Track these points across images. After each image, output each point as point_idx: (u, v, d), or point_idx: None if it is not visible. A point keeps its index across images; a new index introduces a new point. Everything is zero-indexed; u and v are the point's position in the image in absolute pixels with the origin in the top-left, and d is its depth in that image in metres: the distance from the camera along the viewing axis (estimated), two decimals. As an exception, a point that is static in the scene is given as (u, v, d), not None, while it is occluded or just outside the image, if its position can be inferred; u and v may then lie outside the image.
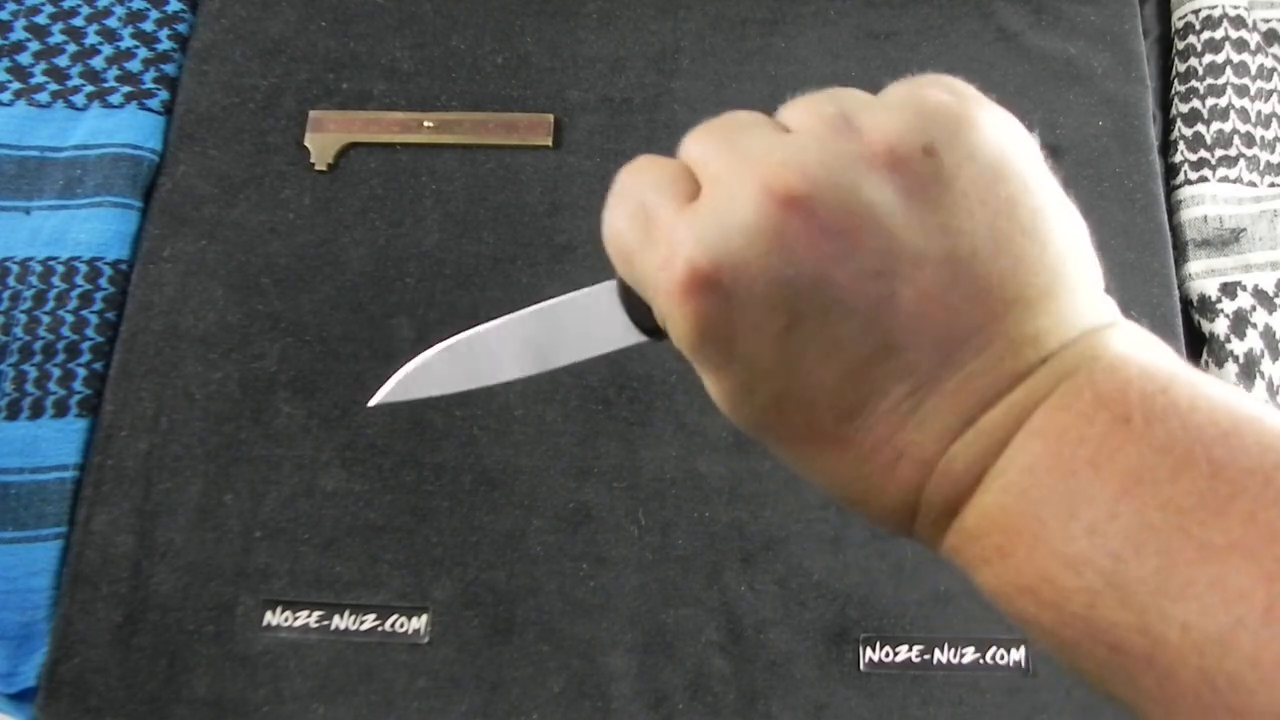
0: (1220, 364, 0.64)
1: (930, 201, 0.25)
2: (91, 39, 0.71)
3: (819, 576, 0.58)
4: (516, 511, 0.60)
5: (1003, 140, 0.27)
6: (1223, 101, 0.70)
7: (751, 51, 0.72)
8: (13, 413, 0.61)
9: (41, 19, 0.72)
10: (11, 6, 0.72)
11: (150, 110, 0.69)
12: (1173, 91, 0.73)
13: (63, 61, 0.70)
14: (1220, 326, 0.65)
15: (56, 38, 0.71)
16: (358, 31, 0.72)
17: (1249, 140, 0.70)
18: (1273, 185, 0.69)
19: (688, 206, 0.27)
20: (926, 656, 0.57)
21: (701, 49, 0.72)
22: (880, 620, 0.57)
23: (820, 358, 0.25)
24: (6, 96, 0.69)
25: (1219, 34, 0.72)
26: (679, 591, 0.58)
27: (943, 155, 0.25)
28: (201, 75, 0.70)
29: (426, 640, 0.57)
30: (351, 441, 0.61)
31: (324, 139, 0.68)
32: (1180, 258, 0.67)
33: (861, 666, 0.56)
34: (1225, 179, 0.69)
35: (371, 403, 0.32)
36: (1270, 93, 0.71)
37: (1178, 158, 0.70)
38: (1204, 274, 0.66)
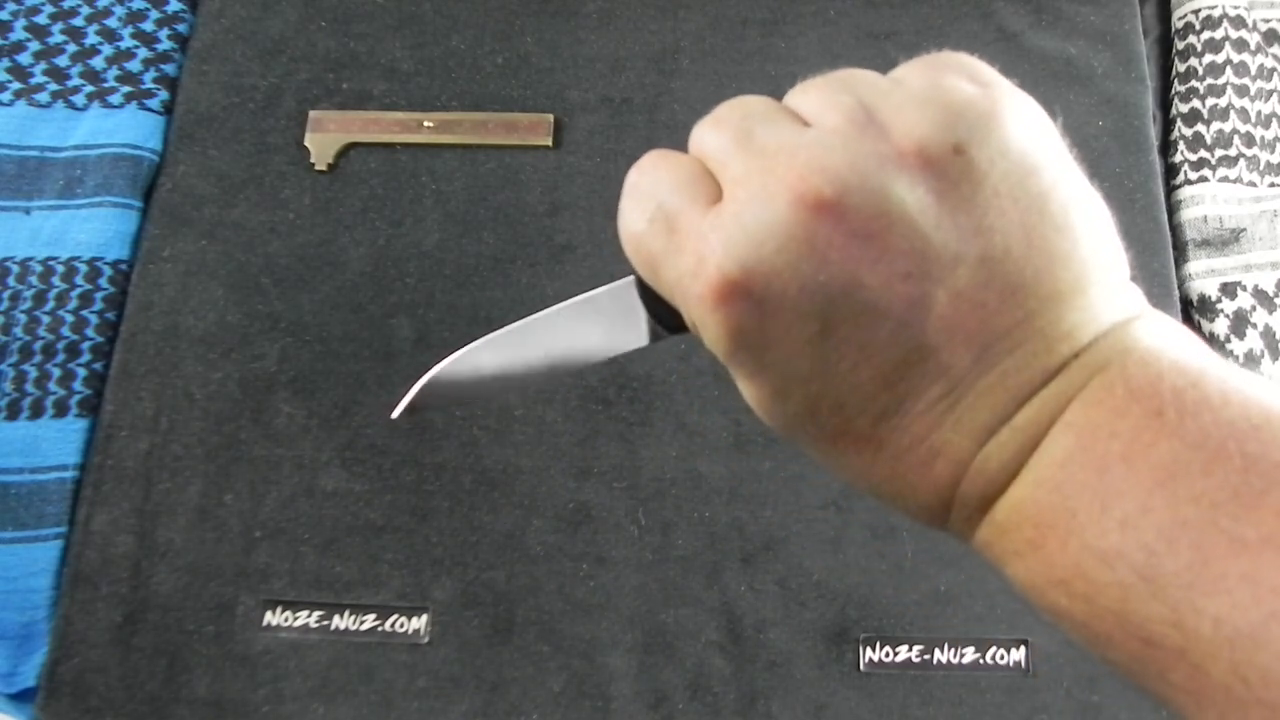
0: (1220, 364, 0.64)
1: (962, 201, 0.25)
2: (91, 39, 0.71)
3: (819, 576, 0.58)
4: (516, 511, 0.60)
5: (1032, 133, 0.26)
6: (1223, 101, 0.70)
7: (751, 51, 0.72)
8: (13, 413, 0.61)
9: (41, 19, 0.72)
10: (11, 6, 0.72)
11: (150, 110, 0.69)
12: (1173, 91, 0.73)
13: (63, 61, 0.70)
14: (1220, 326, 0.65)
15: (56, 38, 0.71)
16: (358, 31, 0.72)
17: (1249, 140, 0.70)
18: (1273, 185, 0.69)
19: (712, 210, 0.26)
20: (926, 656, 0.57)
21: (701, 49, 0.72)
22: (880, 620, 0.57)
23: (854, 362, 0.25)
24: (6, 96, 0.69)
25: (1219, 34, 0.72)
26: (679, 591, 0.58)
27: (973, 153, 0.25)
28: (201, 75, 0.70)
29: (426, 640, 0.57)
30: (351, 441, 0.61)
31: (324, 139, 0.68)
32: (1180, 258, 0.67)
33: (861, 666, 0.56)
34: (1225, 179, 0.69)
35: (394, 415, 0.31)
36: (1270, 93, 0.71)
37: (1178, 158, 0.70)
38: (1204, 274, 0.66)
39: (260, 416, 0.61)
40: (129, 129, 0.68)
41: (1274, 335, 0.65)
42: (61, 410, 0.61)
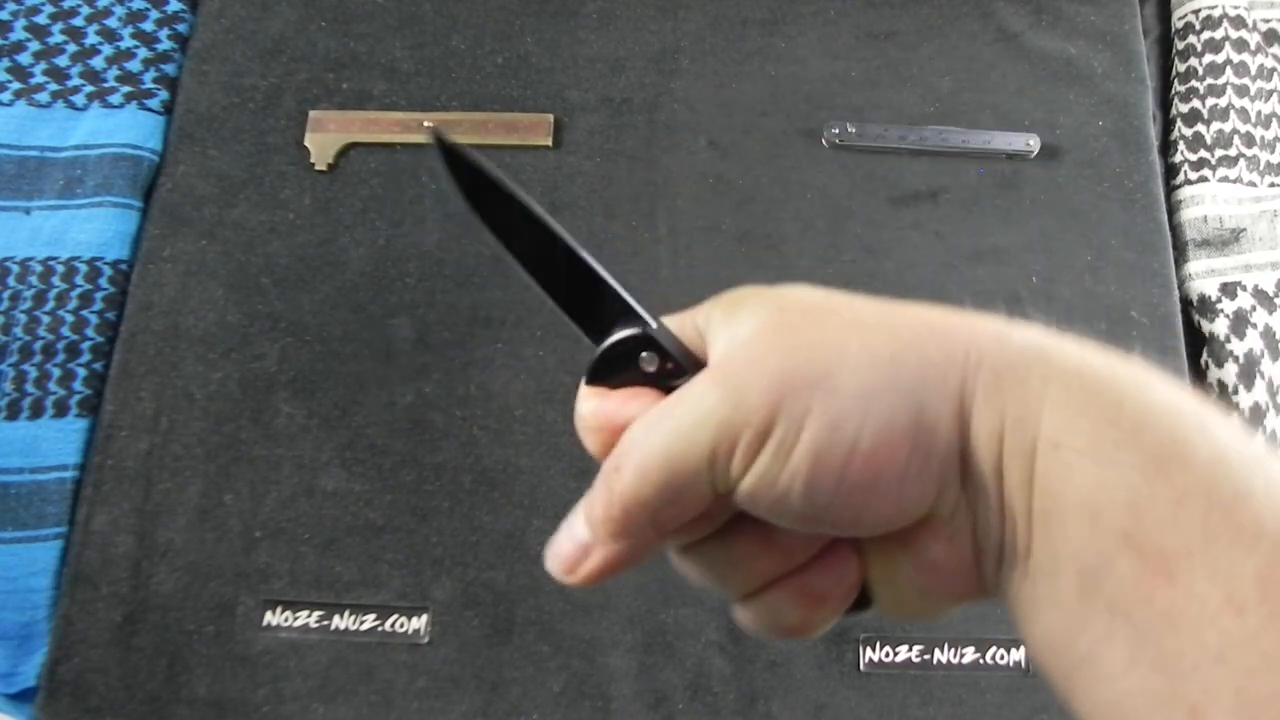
0: (1220, 364, 0.64)
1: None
2: (91, 39, 0.71)
3: (819, 576, 0.58)
4: (516, 511, 0.60)
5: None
6: (1223, 101, 0.70)
7: (751, 51, 0.72)
8: (13, 413, 0.61)
9: (41, 19, 0.71)
10: (11, 6, 0.72)
11: (150, 110, 0.69)
12: (1173, 91, 0.73)
13: (63, 61, 0.70)
14: (1220, 326, 0.65)
15: (56, 38, 0.71)
16: (358, 31, 0.72)
17: (1249, 140, 0.70)
18: (1273, 185, 0.69)
19: None
20: (926, 656, 0.57)
21: (701, 49, 0.72)
22: (880, 620, 0.57)
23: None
24: (6, 96, 0.69)
25: (1219, 34, 0.72)
26: (679, 591, 0.58)
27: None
28: (201, 75, 0.70)
29: (426, 640, 0.57)
30: (351, 441, 0.61)
31: (324, 139, 0.68)
32: (1180, 258, 0.67)
33: (861, 666, 0.56)
34: (1225, 179, 0.69)
35: (434, 137, 0.29)
36: (1270, 93, 0.71)
37: (1178, 158, 0.70)
38: (1204, 274, 0.66)
39: (260, 416, 0.61)
40: (129, 129, 0.68)
41: (1274, 335, 0.65)
42: (61, 410, 0.61)
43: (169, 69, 0.71)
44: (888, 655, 0.57)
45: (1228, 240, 0.67)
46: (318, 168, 0.67)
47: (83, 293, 0.64)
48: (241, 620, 0.57)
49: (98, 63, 0.70)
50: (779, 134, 0.69)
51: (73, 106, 0.69)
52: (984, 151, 0.68)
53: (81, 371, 0.62)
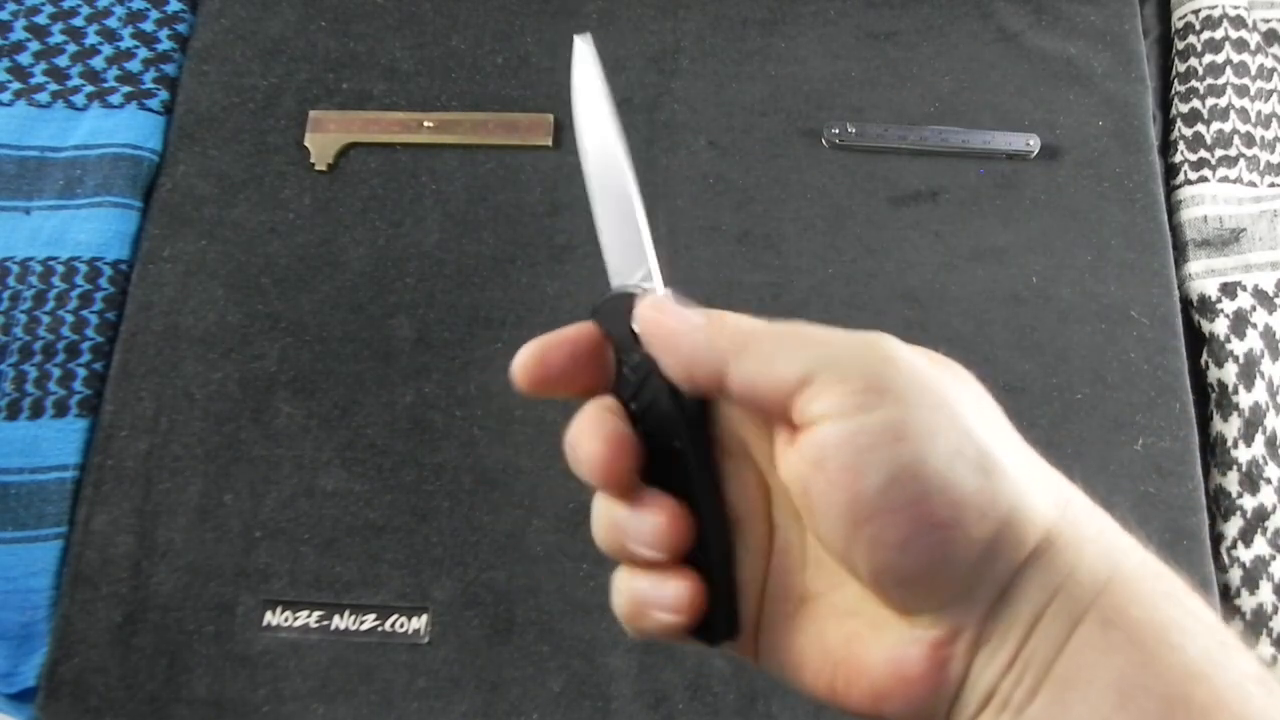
0: (1220, 364, 0.64)
1: None
2: (91, 39, 0.71)
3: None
4: (516, 511, 0.60)
5: None
6: (1223, 101, 0.70)
7: (751, 51, 0.72)
8: (13, 413, 0.61)
9: (41, 19, 0.72)
10: (11, 6, 0.72)
11: (150, 110, 0.69)
12: (1173, 91, 0.73)
13: (63, 61, 0.70)
14: (1220, 326, 0.65)
15: (56, 38, 0.71)
16: (358, 31, 0.72)
17: (1249, 140, 0.70)
18: (1273, 185, 0.69)
19: None
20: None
21: (701, 49, 0.72)
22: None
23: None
24: (6, 96, 0.69)
25: (1219, 34, 0.72)
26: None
27: None
28: (201, 75, 0.70)
29: (426, 640, 0.57)
30: (351, 441, 0.61)
31: (324, 139, 0.68)
32: (1180, 258, 0.67)
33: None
34: (1225, 179, 0.69)
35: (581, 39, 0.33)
36: (1270, 93, 0.71)
37: (1178, 158, 0.70)
38: (1204, 274, 0.66)
39: (260, 416, 0.61)
40: (129, 129, 0.68)
41: (1274, 335, 0.65)
42: (61, 410, 0.61)
43: (169, 69, 0.71)
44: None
45: (1228, 240, 0.67)
46: (318, 168, 0.67)
47: (83, 293, 0.64)
48: (241, 620, 0.57)
49: (98, 63, 0.70)
50: (779, 134, 0.69)
51: (73, 106, 0.69)
52: (984, 151, 0.68)
53: (81, 371, 0.62)
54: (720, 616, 0.28)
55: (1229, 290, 0.66)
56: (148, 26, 0.72)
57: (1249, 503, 0.61)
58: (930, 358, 0.27)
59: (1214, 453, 0.63)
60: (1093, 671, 0.23)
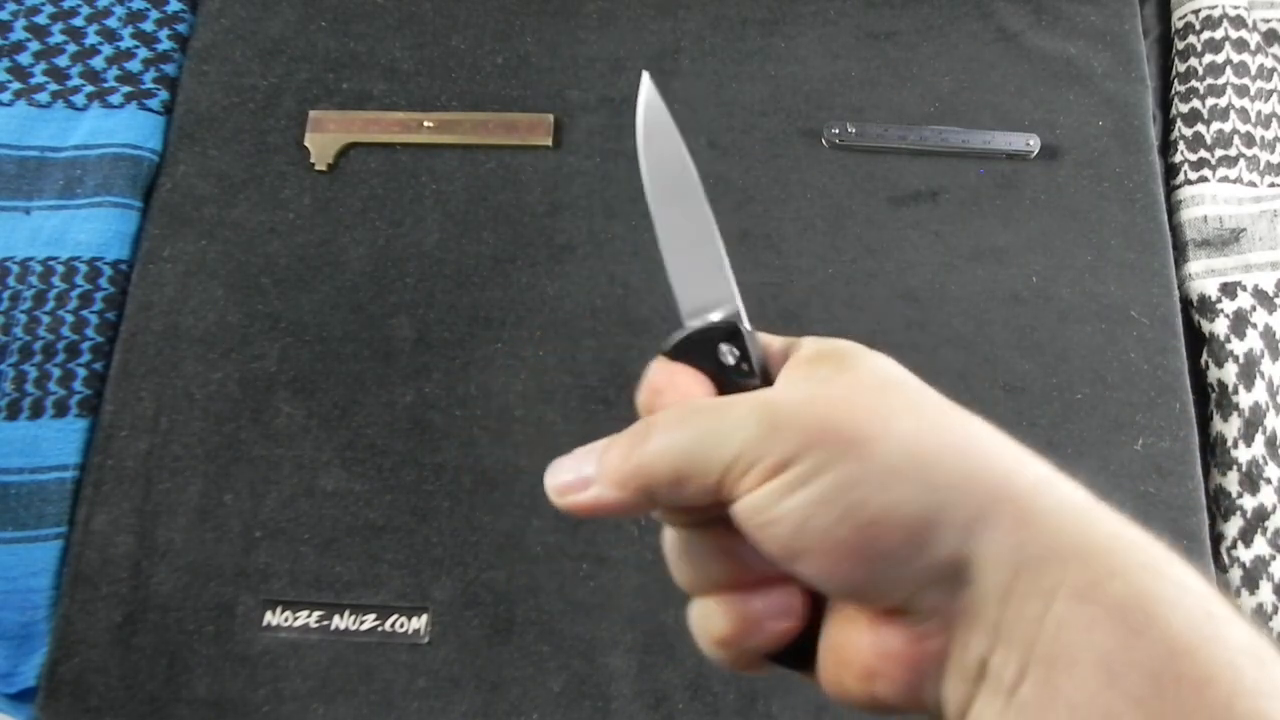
0: (1220, 364, 0.64)
1: None
2: (91, 39, 0.71)
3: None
4: (516, 511, 0.60)
5: None
6: (1223, 101, 0.70)
7: (751, 51, 0.72)
8: (13, 413, 0.61)
9: (41, 19, 0.72)
10: (11, 6, 0.72)
11: (150, 110, 0.69)
12: (1173, 91, 0.73)
13: (63, 61, 0.70)
14: (1220, 326, 0.65)
15: (56, 38, 0.71)
16: (358, 31, 0.72)
17: (1249, 140, 0.70)
18: (1273, 185, 0.69)
19: None
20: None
21: (701, 49, 0.72)
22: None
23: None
24: (6, 96, 0.69)
25: (1219, 34, 0.72)
26: (679, 592, 0.57)
27: None
28: (201, 75, 0.70)
29: (426, 640, 0.57)
30: (351, 441, 0.61)
31: (324, 139, 0.68)
32: (1180, 258, 0.67)
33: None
34: (1225, 179, 0.69)
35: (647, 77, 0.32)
36: (1270, 93, 0.71)
37: (1178, 158, 0.70)
38: (1204, 274, 0.67)
39: (260, 416, 0.61)
40: (129, 129, 0.68)
41: (1274, 335, 0.65)
42: (61, 410, 0.61)
43: (169, 69, 0.71)
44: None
45: (1228, 240, 0.67)
46: (318, 168, 0.67)
47: (83, 293, 0.64)
48: (241, 620, 0.57)
49: (98, 63, 0.70)
50: (779, 134, 0.69)
51: (73, 106, 0.69)
52: (984, 151, 0.68)
53: (81, 371, 0.62)
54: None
55: (1229, 290, 0.66)
56: (148, 26, 0.72)
57: (1249, 503, 0.61)
58: (821, 377, 0.27)
59: (1214, 453, 0.63)
60: (1077, 650, 0.23)
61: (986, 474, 0.25)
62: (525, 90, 0.70)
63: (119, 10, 0.72)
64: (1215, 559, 0.60)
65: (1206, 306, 0.66)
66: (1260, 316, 0.65)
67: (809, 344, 0.29)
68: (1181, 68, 0.73)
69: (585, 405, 0.62)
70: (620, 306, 0.64)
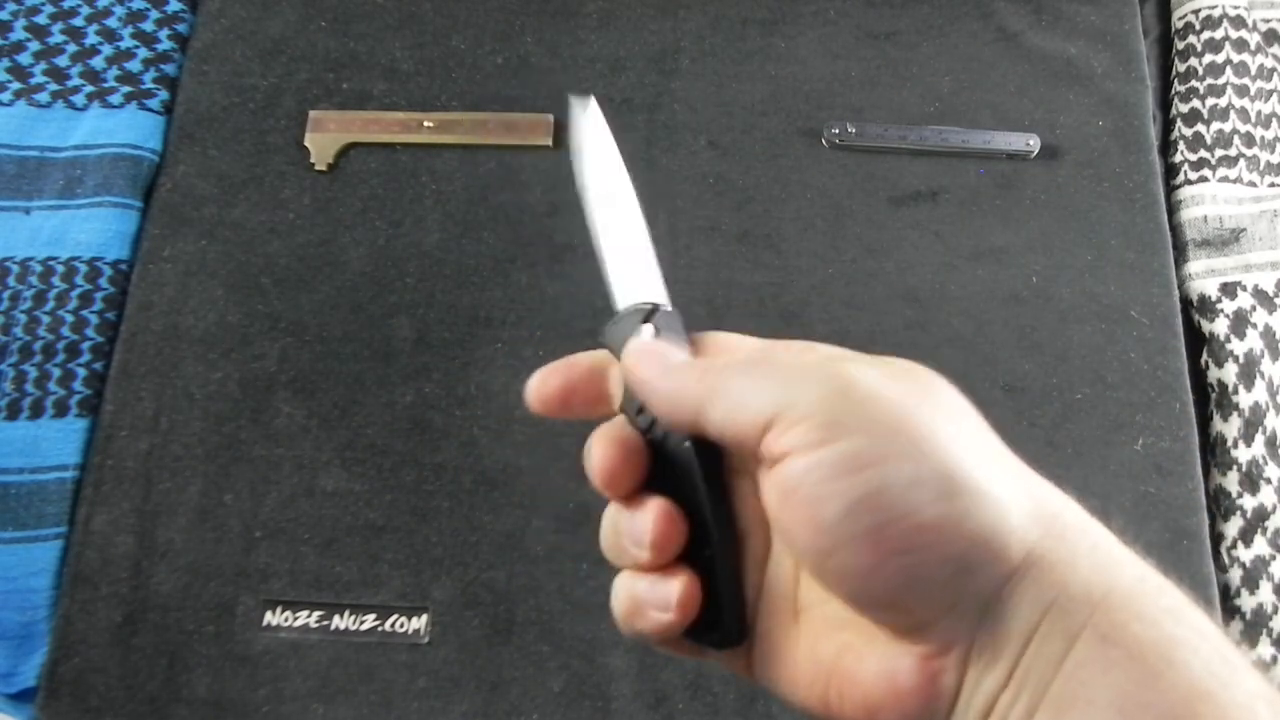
0: (1220, 364, 0.64)
1: None
2: (91, 39, 0.71)
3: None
4: (516, 511, 0.60)
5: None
6: (1223, 101, 0.70)
7: (751, 51, 0.72)
8: (13, 413, 0.61)
9: (41, 19, 0.72)
10: (11, 6, 0.72)
11: (150, 110, 0.69)
12: (1173, 91, 0.73)
13: (63, 61, 0.70)
14: (1220, 326, 0.65)
15: (56, 38, 0.71)
16: (358, 31, 0.72)
17: (1249, 140, 0.70)
18: (1273, 185, 0.69)
19: None
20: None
21: (701, 49, 0.72)
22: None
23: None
24: (6, 96, 0.69)
25: (1219, 34, 0.72)
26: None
27: None
28: (201, 75, 0.70)
29: (426, 640, 0.57)
30: (351, 441, 0.61)
31: (324, 139, 0.68)
32: (1180, 258, 0.67)
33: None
34: (1225, 179, 0.69)
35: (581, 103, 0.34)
36: (1270, 93, 0.71)
37: (1178, 158, 0.70)
38: (1204, 274, 0.66)
39: (260, 416, 0.61)
40: (129, 129, 0.68)
41: (1274, 335, 0.65)
42: (61, 410, 0.61)
43: (169, 69, 0.71)
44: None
45: (1228, 240, 0.67)
46: (318, 168, 0.67)
47: (83, 293, 0.64)
48: (241, 620, 0.57)
49: (98, 63, 0.70)
50: (779, 134, 0.69)
51: (73, 106, 0.69)
52: (984, 151, 0.68)
53: (81, 371, 0.62)
54: (729, 620, 0.29)
55: (1229, 290, 0.66)
56: (148, 26, 0.72)
57: (1249, 503, 0.61)
58: (897, 374, 0.27)
59: (1214, 453, 0.63)
60: (1093, 690, 0.23)
61: (1045, 515, 0.25)
62: (525, 90, 0.70)
63: (119, 10, 0.72)
64: (1215, 559, 0.60)
65: (1206, 306, 0.66)
66: (1260, 316, 0.65)
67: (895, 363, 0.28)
68: (1181, 68, 0.73)
69: (585, 405, 0.62)
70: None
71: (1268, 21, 0.73)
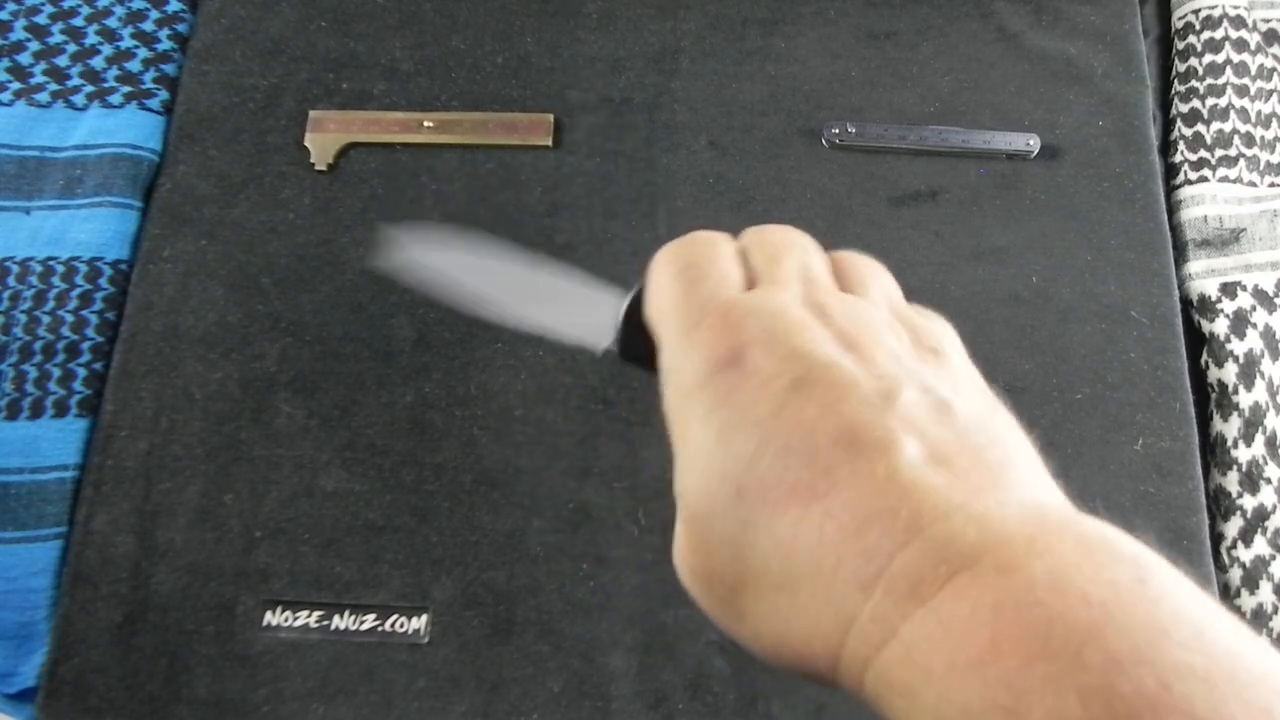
0: (1220, 364, 0.64)
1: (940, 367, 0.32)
2: (91, 39, 0.71)
3: (819, 576, 0.58)
4: (516, 511, 0.60)
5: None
6: (1223, 101, 0.71)
7: (751, 51, 0.72)
8: (13, 413, 0.61)
9: (41, 19, 0.72)
10: (11, 6, 0.72)
11: (150, 110, 0.69)
12: (1173, 91, 0.73)
13: (63, 61, 0.70)
14: (1220, 326, 0.65)
15: (56, 38, 0.71)
16: (358, 31, 0.72)
17: (1249, 140, 0.70)
18: (1273, 185, 0.69)
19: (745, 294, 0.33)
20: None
21: (701, 49, 0.72)
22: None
23: (819, 413, 0.28)
24: (6, 96, 0.69)
25: (1219, 34, 0.72)
26: (679, 591, 0.57)
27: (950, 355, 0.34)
28: (201, 75, 0.70)
29: (426, 640, 0.57)
30: (351, 441, 0.61)
31: (324, 139, 0.68)
32: (1180, 258, 0.67)
33: (861, 666, 0.56)
34: (1225, 179, 0.69)
35: (396, 252, 0.36)
36: (1270, 93, 0.71)
37: (1178, 158, 0.70)
38: (1204, 274, 0.67)
39: (260, 416, 0.61)
40: (129, 129, 0.68)
41: (1274, 335, 0.65)
42: (61, 410, 0.61)
43: (169, 69, 0.71)
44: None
45: (1228, 240, 0.67)
46: (318, 168, 0.67)
47: (83, 293, 0.64)
48: (241, 620, 0.57)
49: (98, 63, 0.70)
50: (779, 134, 0.69)
51: (73, 106, 0.69)
52: (984, 151, 0.68)
53: (81, 371, 0.62)
54: None
55: (1229, 290, 0.66)
56: (148, 26, 0.72)
57: (1249, 503, 0.61)
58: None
59: (1214, 453, 0.63)
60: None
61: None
62: (525, 90, 0.70)
63: (119, 10, 0.72)
64: (1215, 559, 0.60)
65: (1206, 306, 0.66)
66: (1260, 316, 0.65)
67: None
68: (1181, 68, 0.73)
69: (585, 405, 0.62)
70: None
71: (1268, 21, 0.73)
